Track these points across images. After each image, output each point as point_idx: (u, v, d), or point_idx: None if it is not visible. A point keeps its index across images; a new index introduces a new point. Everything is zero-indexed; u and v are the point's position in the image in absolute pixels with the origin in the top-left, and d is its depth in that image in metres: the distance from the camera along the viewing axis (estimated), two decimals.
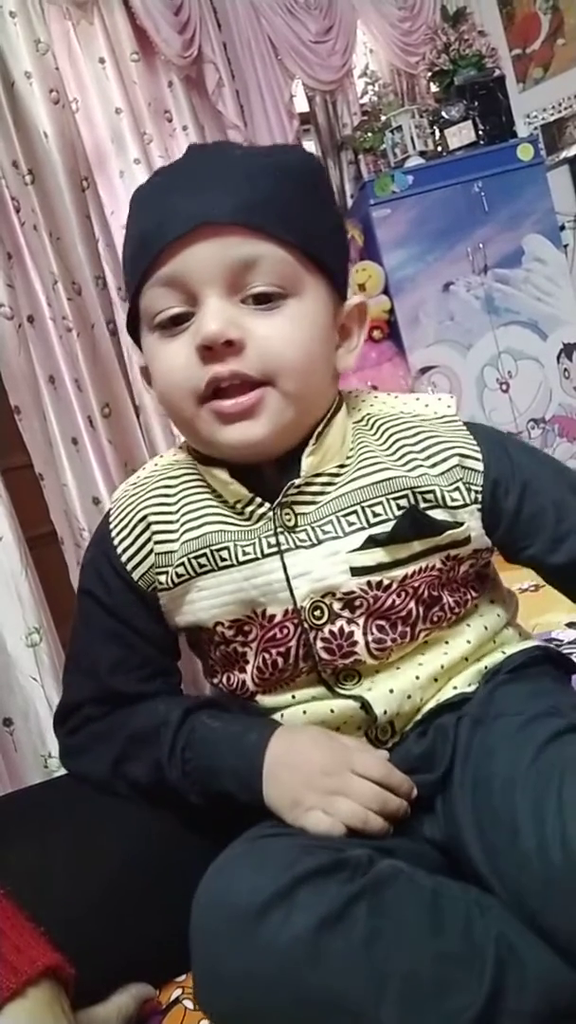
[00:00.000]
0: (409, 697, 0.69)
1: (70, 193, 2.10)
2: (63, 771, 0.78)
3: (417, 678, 0.69)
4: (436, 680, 0.70)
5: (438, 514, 0.68)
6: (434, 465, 0.69)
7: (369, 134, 2.75)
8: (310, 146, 2.97)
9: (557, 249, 2.62)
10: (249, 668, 0.71)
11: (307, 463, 0.68)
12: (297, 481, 0.68)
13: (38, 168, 2.09)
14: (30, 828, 0.70)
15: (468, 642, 0.72)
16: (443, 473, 0.68)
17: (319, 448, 0.68)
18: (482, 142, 2.60)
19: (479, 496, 0.69)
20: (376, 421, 0.73)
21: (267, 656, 0.70)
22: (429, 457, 0.69)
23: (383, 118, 2.70)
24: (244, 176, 0.62)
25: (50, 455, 1.99)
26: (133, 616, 0.73)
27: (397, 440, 0.71)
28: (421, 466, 0.69)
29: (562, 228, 2.75)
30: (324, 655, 0.69)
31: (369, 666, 0.70)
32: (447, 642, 0.72)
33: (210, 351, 0.61)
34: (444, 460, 0.69)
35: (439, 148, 2.67)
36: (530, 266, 2.60)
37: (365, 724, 0.69)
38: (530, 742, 0.59)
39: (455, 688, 0.70)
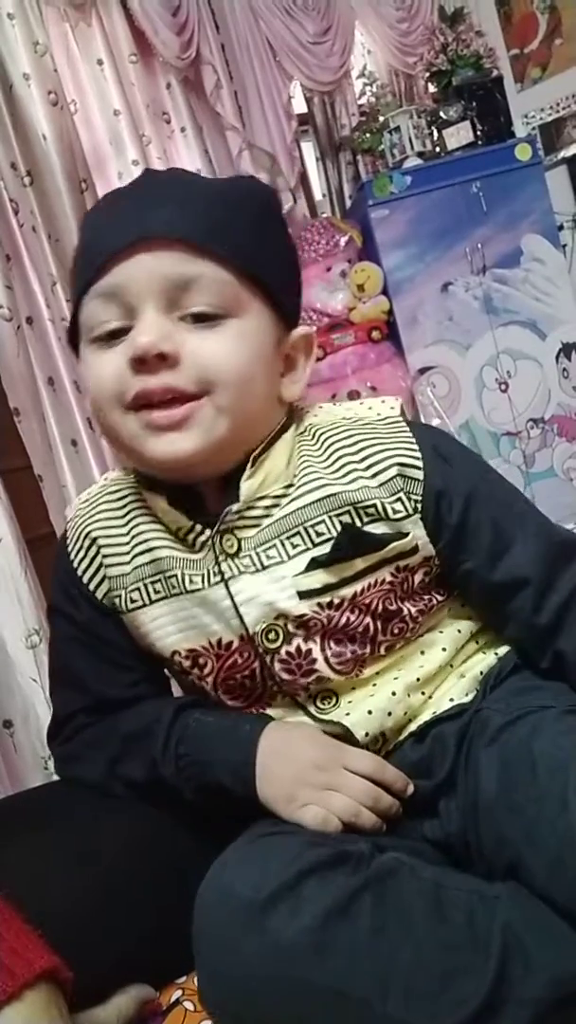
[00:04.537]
0: (390, 714, 0.68)
1: (69, 195, 2.11)
2: None
3: (394, 694, 0.68)
4: (422, 692, 0.69)
5: (381, 527, 0.67)
6: (374, 476, 0.67)
7: (367, 135, 2.75)
8: (308, 147, 2.97)
9: (556, 249, 2.62)
10: (215, 696, 0.71)
11: (245, 487, 0.66)
12: (235, 507, 0.66)
13: (37, 170, 2.10)
14: (29, 830, 0.69)
15: (443, 650, 0.71)
16: (383, 484, 0.67)
17: (257, 472, 0.67)
18: (480, 142, 2.59)
19: (419, 506, 0.67)
20: (317, 431, 0.71)
21: (233, 682, 0.70)
22: (369, 467, 0.67)
23: (381, 119, 2.70)
24: (189, 196, 0.63)
25: (49, 457, 1.99)
26: (106, 631, 0.72)
27: (336, 450, 0.69)
28: (361, 478, 0.67)
29: (560, 228, 2.75)
30: (285, 675, 0.68)
31: (342, 684, 0.69)
32: (423, 652, 0.71)
33: (143, 364, 0.60)
34: (384, 470, 0.67)
35: (437, 149, 2.67)
36: (529, 266, 2.60)
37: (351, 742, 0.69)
38: None
39: (451, 700, 0.70)
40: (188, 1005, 0.65)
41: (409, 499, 0.67)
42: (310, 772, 0.63)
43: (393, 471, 0.67)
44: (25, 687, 1.64)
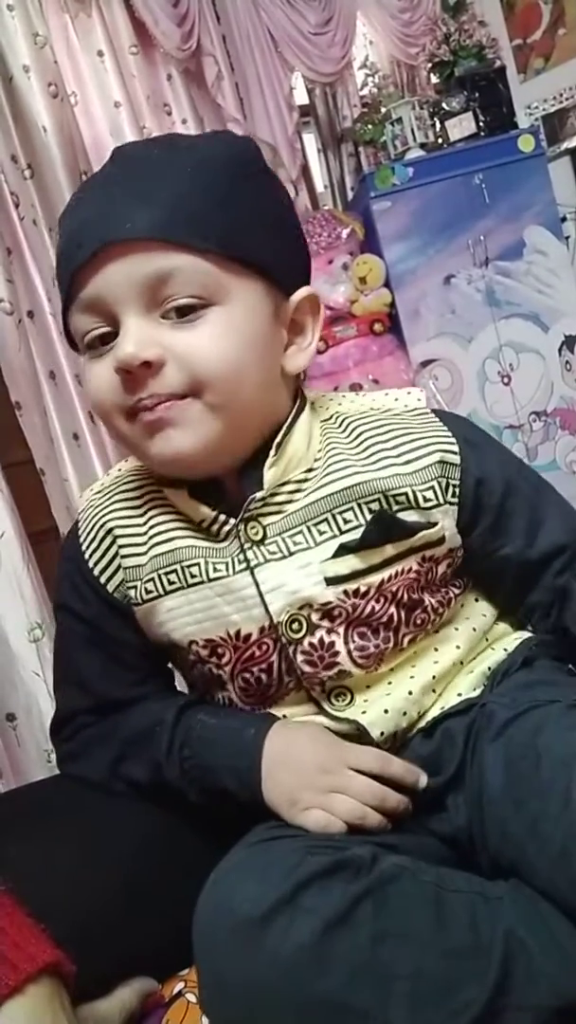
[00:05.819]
0: (405, 714, 0.68)
1: (69, 188, 2.10)
2: None
3: (410, 693, 0.68)
4: (434, 691, 0.69)
5: (410, 515, 0.66)
6: (407, 463, 0.67)
7: (369, 126, 2.74)
8: (310, 139, 2.96)
9: (558, 241, 2.61)
10: (231, 687, 0.70)
11: (269, 475, 0.65)
12: (259, 495, 0.65)
13: (37, 162, 2.09)
14: (32, 823, 0.69)
15: (458, 647, 0.71)
16: (417, 472, 0.67)
17: (280, 459, 0.66)
18: (483, 133, 2.58)
19: (457, 492, 0.68)
20: (345, 419, 0.71)
21: (249, 675, 0.69)
22: (403, 455, 0.67)
23: (383, 110, 2.69)
24: (154, 185, 0.58)
25: (51, 451, 1.99)
26: (114, 627, 0.71)
27: (368, 439, 0.69)
28: (393, 465, 0.67)
29: (563, 220, 2.74)
30: (306, 668, 0.67)
31: (358, 680, 0.69)
32: (436, 648, 0.71)
33: (129, 373, 0.59)
34: (421, 458, 0.67)
35: (440, 140, 2.66)
36: (531, 258, 2.59)
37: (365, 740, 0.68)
38: None
39: (460, 695, 0.69)
40: (190, 997, 0.65)
41: (446, 487, 0.67)
42: (314, 775, 0.63)
43: (434, 457, 0.67)
44: (28, 681, 1.64)
